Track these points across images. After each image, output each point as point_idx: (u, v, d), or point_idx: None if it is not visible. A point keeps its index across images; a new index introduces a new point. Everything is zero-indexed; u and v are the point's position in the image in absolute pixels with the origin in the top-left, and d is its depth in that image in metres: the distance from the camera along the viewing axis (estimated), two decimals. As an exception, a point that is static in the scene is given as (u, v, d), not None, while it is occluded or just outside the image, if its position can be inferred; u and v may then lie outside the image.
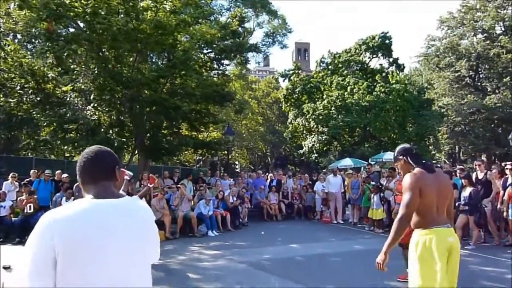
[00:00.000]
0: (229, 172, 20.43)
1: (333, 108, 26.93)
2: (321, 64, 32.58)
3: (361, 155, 23.34)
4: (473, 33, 32.05)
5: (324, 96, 28.18)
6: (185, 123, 16.52)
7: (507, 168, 8.88)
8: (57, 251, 1.42)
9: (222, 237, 10.22)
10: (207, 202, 10.88)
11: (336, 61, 30.92)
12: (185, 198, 11.01)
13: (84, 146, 13.20)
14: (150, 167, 15.46)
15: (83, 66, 13.85)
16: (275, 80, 41.58)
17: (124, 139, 14.63)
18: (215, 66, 17.37)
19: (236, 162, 42.22)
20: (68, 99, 13.96)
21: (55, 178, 11.61)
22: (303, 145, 29.63)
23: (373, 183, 11.90)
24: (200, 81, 14.76)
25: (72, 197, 9.50)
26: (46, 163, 17.68)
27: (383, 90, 26.50)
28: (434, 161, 26.92)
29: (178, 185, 11.60)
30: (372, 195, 11.13)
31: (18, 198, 10.18)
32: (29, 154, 21.95)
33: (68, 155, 22.02)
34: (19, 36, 17.27)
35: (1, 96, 14.59)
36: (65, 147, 16.69)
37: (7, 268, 5.29)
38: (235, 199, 12.17)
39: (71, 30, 13.67)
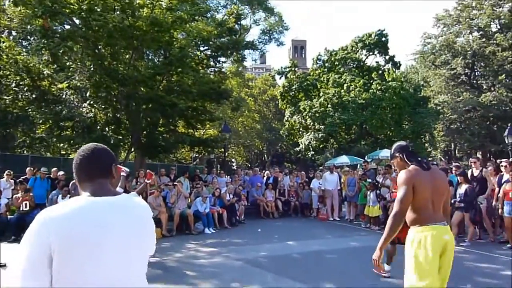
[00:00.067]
0: (226, 169, 20.43)
1: (329, 105, 26.96)
2: (318, 61, 32.59)
3: (357, 153, 23.41)
4: (469, 31, 32.16)
5: (321, 94, 28.21)
6: (182, 120, 16.49)
7: (502, 165, 8.93)
8: (53, 248, 1.41)
9: (219, 235, 10.22)
10: (203, 200, 10.88)
11: (332, 59, 30.94)
12: (181, 196, 11.00)
13: (80, 144, 13.15)
14: (147, 165, 15.42)
15: (79, 63, 13.78)
16: (272, 78, 41.58)
17: (121, 137, 14.60)
18: (212, 63, 17.34)
19: (233, 160, 42.25)
20: (64, 96, 13.90)
21: (51, 175, 11.59)
22: (300, 143, 29.65)
23: (370, 180, 11.94)
24: (196, 78, 14.73)
25: (68, 195, 9.46)
26: (42, 160, 17.60)
27: (379, 87, 26.56)
28: (430, 159, 27.02)
29: (175, 183, 11.58)
30: (368, 192, 11.16)
31: (14, 196, 10.13)
32: (25, 151, 21.84)
33: (64, 152, 21.92)
34: (14, 33, 17.16)
35: (-4, 93, 14.52)
36: (61, 144, 16.59)
37: (2, 266, 5.27)
38: (231, 196, 12.17)
39: (67, 27, 13.61)
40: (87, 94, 13.51)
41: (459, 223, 8.74)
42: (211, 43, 16.03)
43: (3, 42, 14.04)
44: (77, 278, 1.43)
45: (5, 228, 9.46)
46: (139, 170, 12.05)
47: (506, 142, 19.17)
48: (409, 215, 3.15)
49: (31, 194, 10.02)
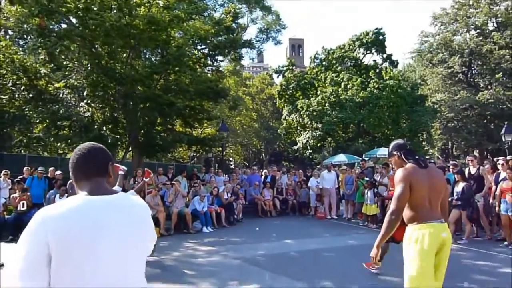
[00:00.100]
0: (224, 168, 20.44)
1: (327, 104, 26.98)
2: (315, 60, 32.59)
3: (355, 151, 23.45)
4: (466, 29, 32.21)
5: (318, 92, 28.22)
6: (179, 119, 16.48)
7: (499, 163, 8.96)
8: (51, 247, 1.41)
9: (217, 233, 10.22)
10: (201, 199, 10.87)
11: (330, 57, 30.95)
12: (179, 195, 10.99)
13: (77, 143, 13.12)
14: (144, 164, 15.40)
15: (75, 63, 13.75)
16: (269, 76, 41.57)
17: (118, 136, 14.57)
18: (209, 62, 17.33)
19: (231, 159, 42.23)
20: (61, 95, 13.88)
21: (48, 175, 11.55)
22: (297, 141, 29.68)
23: (367, 178, 11.96)
24: (194, 77, 14.71)
25: (66, 194, 9.45)
26: (39, 160, 17.54)
27: (376, 86, 26.59)
28: (427, 157, 27.06)
29: (173, 182, 11.58)
30: (366, 191, 11.18)
31: (11, 196, 10.10)
32: (22, 151, 21.76)
33: (61, 152, 21.88)
34: (10, 32, 17.10)
35: (-7, 92, 14.46)
36: (58, 144, 16.59)
37: (0, 265, 5.26)
38: (229, 195, 12.17)
39: (63, 26, 13.57)
40: (84, 93, 13.49)
41: (456, 221, 8.77)
42: (208, 42, 16.01)
43: (0, 41, 14.00)
44: (75, 277, 1.43)
45: (3, 227, 9.43)
46: (137, 169, 12.04)
47: (503, 140, 19.28)
48: (407, 213, 3.16)
49: (28, 193, 10.01)
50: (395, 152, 3.41)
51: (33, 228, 1.44)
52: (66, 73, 13.78)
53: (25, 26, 13.91)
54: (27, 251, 1.41)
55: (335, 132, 27.88)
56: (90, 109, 14.17)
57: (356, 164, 18.45)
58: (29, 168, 11.79)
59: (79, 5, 11.82)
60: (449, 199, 8.35)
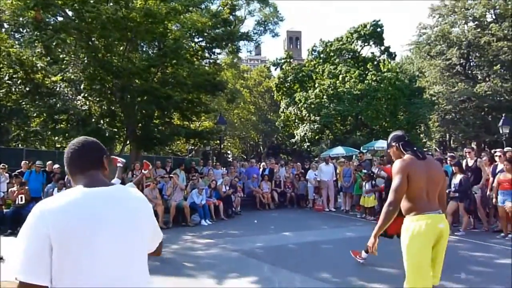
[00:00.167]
0: (222, 161, 20.44)
1: (325, 96, 26.94)
2: (313, 52, 32.49)
3: (353, 144, 23.48)
4: (464, 21, 32.12)
5: (316, 85, 28.17)
6: (177, 112, 16.44)
7: (496, 155, 9.00)
8: (52, 239, 1.41)
9: (215, 226, 10.25)
10: (199, 192, 10.89)
11: (327, 50, 30.86)
12: (177, 188, 11.01)
13: (74, 137, 12.85)
14: (142, 157, 15.39)
15: (72, 56, 13.67)
16: (267, 69, 41.47)
17: (116, 129, 14.53)
18: (207, 55, 17.25)
19: (228, 152, 42.25)
20: (57, 89, 13.80)
21: (46, 169, 11.56)
22: (295, 134, 29.67)
23: (365, 171, 11.99)
24: (191, 70, 14.65)
25: (64, 188, 9.45)
26: (36, 154, 17.51)
27: (374, 78, 26.55)
28: (425, 149, 27.13)
29: (171, 175, 11.59)
30: (364, 183, 11.21)
31: (9, 190, 10.10)
32: (20, 145, 21.73)
33: (59, 146, 21.85)
34: (6, 25, 16.95)
35: (-10, 86, 14.38)
36: (56, 138, 16.56)
37: (0, 259, 5.28)
38: (227, 188, 12.19)
39: (60, 19, 13.47)
40: (81, 87, 13.43)
41: (453, 213, 8.81)
42: (205, 34, 15.92)
43: (-5, 34, 13.90)
44: (73, 269, 1.43)
45: (1, 221, 9.46)
46: (135, 163, 12.03)
47: (501, 132, 19.33)
48: (404, 204, 3.18)
49: (26, 187, 10.00)
50: (393, 144, 3.42)
51: (32, 222, 1.44)
52: (63, 66, 13.70)
53: (21, 19, 13.79)
54: (27, 245, 1.42)
55: (333, 125, 27.88)
56: (87, 103, 14.13)
57: (354, 156, 18.49)
58: (27, 162, 11.79)
59: (75, -2, 11.74)
60: (447, 191, 8.40)
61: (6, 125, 20.57)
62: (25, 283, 1.40)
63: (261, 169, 15.06)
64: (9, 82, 13.67)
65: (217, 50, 17.83)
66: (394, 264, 5.23)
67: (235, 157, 41.13)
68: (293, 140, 30.35)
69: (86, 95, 13.67)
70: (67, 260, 1.42)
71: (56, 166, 11.32)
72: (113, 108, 14.49)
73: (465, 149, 10.96)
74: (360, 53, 31.06)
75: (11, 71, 13.36)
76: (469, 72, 33.46)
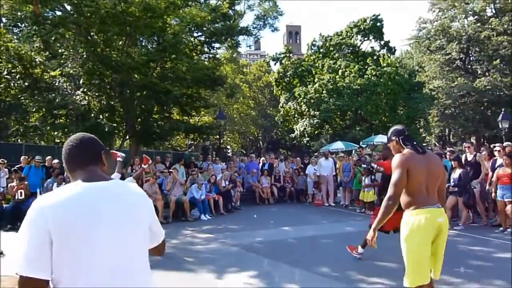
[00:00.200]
0: (221, 156, 20.44)
1: (324, 91, 26.90)
2: (313, 47, 32.40)
3: (352, 138, 23.49)
4: (464, 16, 32.03)
5: (316, 80, 28.13)
6: (176, 107, 16.41)
7: (496, 150, 9.01)
8: (52, 234, 1.42)
9: (215, 221, 10.27)
10: (199, 186, 10.90)
11: (327, 44, 30.78)
12: (177, 183, 11.01)
13: (74, 132, 12.98)
14: (142, 152, 15.39)
15: (71, 50, 13.61)
16: (266, 64, 41.36)
17: (115, 124, 14.49)
18: (206, 49, 17.18)
19: (228, 147, 42.24)
20: (56, 84, 13.75)
21: (46, 164, 11.56)
22: (295, 129, 29.66)
23: (364, 166, 11.98)
24: (190, 65, 14.60)
25: (63, 183, 9.45)
26: (36, 149, 17.51)
27: (374, 73, 26.51)
28: (424, 144, 27.15)
29: (170, 170, 11.59)
30: (363, 178, 11.22)
31: (9, 185, 10.11)
32: (19, 140, 21.72)
33: (58, 141, 21.80)
34: (4, 19, 16.87)
35: (-12, 81, 14.34)
36: (55, 133, 16.49)
37: (0, 254, 5.30)
38: (227, 183, 12.21)
39: (58, 13, 13.41)
40: (80, 82, 13.38)
41: (452, 207, 8.84)
42: (205, 29, 15.85)
43: (-6, 29, 13.83)
44: (73, 262, 1.44)
45: (1, 217, 9.46)
46: (134, 158, 12.03)
47: (500, 127, 19.32)
48: (404, 199, 3.19)
49: (26, 182, 10.01)
50: (393, 138, 3.43)
51: (32, 217, 1.45)
52: (62, 61, 13.65)
53: (19, 13, 13.73)
54: (28, 240, 1.43)
55: (333, 120, 27.86)
56: (87, 98, 14.08)
57: (353, 151, 18.48)
58: (26, 157, 11.78)
59: (73, -8, 11.67)
60: (446, 186, 8.42)
61: (5, 120, 20.54)
62: (26, 277, 1.41)
63: (260, 164, 15.07)
64: (8, 77, 13.62)
65: (217, 45, 17.75)
66: (393, 258, 5.25)
67: (235, 152, 41.14)
68: (293, 135, 30.34)
69: (85, 90, 13.63)
70: (66, 253, 1.44)
71: (56, 161, 11.32)
72: (112, 103, 14.45)
73: (464, 143, 10.97)
74: (360, 48, 30.98)
75: (9, 66, 13.31)
76: (469, 66, 33.41)
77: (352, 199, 12.68)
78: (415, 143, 3.35)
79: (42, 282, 1.42)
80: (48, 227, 1.42)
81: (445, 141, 36.66)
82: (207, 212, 10.77)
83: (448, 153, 10.09)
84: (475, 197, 8.95)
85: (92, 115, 13.83)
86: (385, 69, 26.70)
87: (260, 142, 41.09)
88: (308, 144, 29.93)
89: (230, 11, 17.68)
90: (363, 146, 17.51)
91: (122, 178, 7.66)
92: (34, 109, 14.43)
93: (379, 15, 29.69)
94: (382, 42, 30.25)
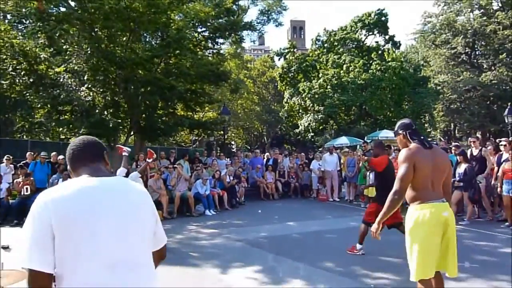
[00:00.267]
0: (226, 152, 20.44)
1: (329, 86, 26.83)
2: (317, 42, 32.30)
3: (357, 134, 23.42)
4: (470, 9, 31.77)
5: (320, 75, 28.04)
6: (181, 103, 16.40)
7: (501, 145, 8.94)
8: (54, 229, 1.44)
9: (219, 216, 10.29)
10: (204, 182, 10.91)
11: (331, 39, 30.66)
12: (182, 178, 11.04)
13: (79, 128, 13.12)
14: (146, 148, 15.43)
15: (75, 47, 13.63)
16: (271, 59, 41.21)
17: (119, 120, 14.55)
18: (210, 45, 17.14)
19: (232, 142, 42.24)
20: (61, 80, 13.78)
21: (51, 160, 11.63)
22: (299, 124, 29.63)
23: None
24: (194, 60, 14.59)
25: (69, 179, 9.48)
26: (41, 145, 17.59)
27: (379, 68, 26.39)
28: (429, 139, 27.01)
29: (175, 165, 11.62)
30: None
31: (15, 181, 10.18)
32: (24, 136, 21.81)
33: (63, 137, 21.90)
34: (9, 16, 16.93)
35: (-6, 77, 14.39)
36: (60, 129, 16.57)
37: (5, 248, 5.36)
38: (231, 178, 12.22)
39: (62, 9, 13.41)
40: (85, 78, 13.41)
41: (458, 202, 8.80)
42: (208, 24, 15.82)
43: (-1, 25, 13.89)
44: (74, 256, 1.46)
45: (7, 212, 9.55)
46: (139, 154, 12.05)
47: (506, 121, 19.16)
48: (409, 193, 3.19)
49: (31, 178, 10.08)
50: (400, 131, 3.42)
51: (36, 212, 1.48)
52: (66, 57, 13.67)
53: (23, 10, 13.76)
54: (32, 234, 1.45)
55: (337, 115, 27.80)
56: (91, 94, 14.11)
57: (358, 146, 18.44)
58: (32, 153, 11.85)
59: (77, -12, 11.68)
60: (452, 180, 8.38)
61: (11, 117, 20.63)
62: (32, 271, 1.43)
63: (265, 159, 15.07)
64: (13, 73, 13.67)
65: (221, 40, 17.71)
66: (397, 253, 5.24)
67: (239, 147, 41.13)
68: (297, 130, 30.31)
69: (89, 86, 13.66)
70: (69, 248, 1.45)
71: (61, 157, 11.38)
72: (116, 99, 14.48)
73: (470, 138, 10.91)
74: (364, 43, 30.84)
75: (14, 62, 13.35)
76: (475, 61, 33.17)
77: (357, 194, 12.66)
78: (422, 137, 3.34)
79: (47, 276, 1.44)
80: (51, 221, 1.44)
81: (450, 136, 36.48)
82: (211, 208, 10.79)
83: (453, 148, 10.04)
84: (480, 192, 8.91)
85: (97, 111, 13.87)
86: (390, 63, 26.56)
87: (265, 138, 41.07)
88: (312, 140, 29.87)
89: (234, 6, 17.59)
90: (368, 141, 17.42)
91: (128, 173, 7.69)
92: (39, 105, 14.49)
93: (383, 9, 29.54)
94: (387, 37, 30.09)
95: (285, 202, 12.98)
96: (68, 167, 1.76)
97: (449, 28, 31.60)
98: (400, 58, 28.63)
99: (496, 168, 8.75)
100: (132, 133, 15.39)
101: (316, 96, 26.91)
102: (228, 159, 15.03)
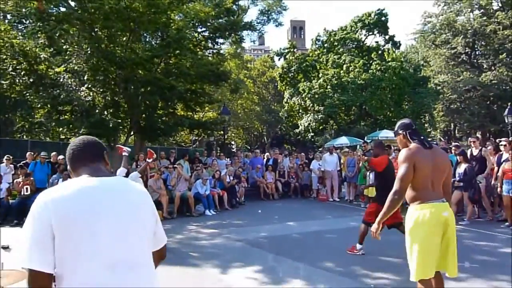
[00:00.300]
0: (226, 152, 20.44)
1: (329, 86, 26.83)
2: (317, 42, 32.30)
3: (357, 134, 23.43)
4: (469, 9, 31.77)
5: (320, 75, 28.04)
6: (181, 103, 16.40)
7: (501, 145, 8.94)
8: (54, 228, 1.44)
9: (219, 216, 10.29)
10: (204, 182, 10.91)
11: (331, 39, 30.66)
12: (182, 178, 11.04)
13: (79, 128, 13.12)
14: (146, 148, 15.42)
15: (75, 47, 13.63)
16: (271, 59, 41.21)
17: (119, 120, 14.55)
18: (210, 45, 17.14)
19: (232, 142, 42.24)
20: (61, 80, 13.78)
21: (51, 160, 11.63)
22: (299, 124, 29.63)
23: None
24: (194, 60, 14.59)
25: (69, 179, 9.49)
26: (41, 145, 17.59)
27: (379, 68, 26.39)
28: (429, 139, 27.01)
29: (175, 165, 11.62)
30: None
31: (15, 181, 10.18)
32: (24, 136, 21.81)
33: (63, 137, 21.90)
34: (9, 16, 16.93)
35: (-6, 78, 14.39)
36: (60, 129, 16.57)
37: (5, 248, 5.36)
38: (231, 178, 12.22)
39: (62, 9, 13.41)
40: (85, 78, 13.41)
41: (458, 202, 8.80)
42: (208, 24, 15.82)
43: (-1, 25, 13.89)
44: (74, 255, 1.46)
45: (7, 212, 9.55)
46: (139, 154, 12.05)
47: (506, 121, 19.16)
48: (409, 193, 3.19)
49: (32, 178, 10.08)
50: (400, 131, 3.41)
51: (36, 212, 1.48)
52: (66, 57, 13.67)
53: (23, 10, 13.76)
54: (31, 234, 1.46)
55: (337, 115, 27.80)
56: (91, 94, 14.11)
57: (358, 146, 18.44)
58: (32, 153, 11.86)
59: (77, -12, 11.68)
60: (452, 180, 8.38)
61: (11, 117, 20.63)
62: (31, 271, 1.43)
63: (265, 159, 15.07)
64: (13, 73, 13.67)
65: (220, 40, 17.70)
66: (397, 253, 5.24)
67: (239, 147, 41.12)
68: (297, 130, 30.31)
69: (89, 86, 13.66)
70: (68, 248, 1.46)
71: (61, 157, 11.38)
72: (116, 99, 14.48)
73: (470, 138, 10.91)
74: (364, 43, 30.84)
75: (14, 62, 13.35)
76: (475, 61, 33.17)
77: (357, 194, 12.66)
78: (422, 137, 3.33)
79: (47, 276, 1.44)
80: (51, 221, 1.44)
81: (450, 136, 36.48)
82: (211, 208, 10.78)
83: (453, 148, 10.04)
84: (480, 192, 8.91)
85: (97, 111, 13.87)
86: (390, 63, 26.57)
87: (265, 138, 41.07)
88: (312, 140, 29.87)
89: (234, 6, 17.59)
90: (368, 141, 17.42)
91: (128, 173, 7.69)
92: (39, 105, 14.50)
93: (383, 9, 29.55)
94: (387, 37, 30.10)
95: (285, 202, 12.98)
96: (68, 167, 1.76)
97: (449, 28, 31.60)
98: (400, 58, 28.64)
99: (496, 168, 8.75)
100: (132, 133, 15.39)
101: (316, 96, 26.91)
102: (228, 159, 15.02)
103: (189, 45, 14.40)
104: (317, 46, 32.13)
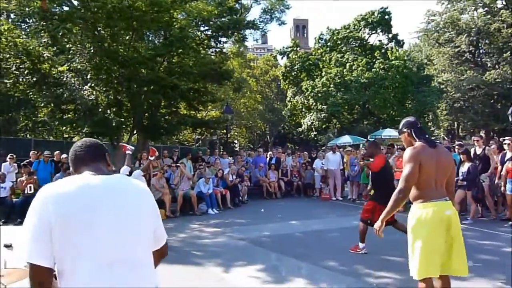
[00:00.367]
0: (228, 150, 20.47)
1: (332, 85, 26.79)
2: (320, 41, 32.25)
3: (360, 132, 23.40)
4: (473, 8, 31.61)
5: (323, 73, 28.01)
6: (183, 102, 16.42)
7: (505, 143, 8.90)
8: (53, 225, 1.45)
9: (222, 215, 10.30)
10: (206, 181, 10.93)
11: (334, 38, 30.60)
12: (185, 177, 11.05)
13: (82, 127, 13.17)
14: (149, 147, 15.44)
15: (78, 46, 13.66)
16: (274, 58, 41.22)
17: (122, 119, 14.55)
18: (213, 44, 17.13)
19: (235, 141, 42.26)
20: (64, 79, 13.81)
21: (54, 159, 11.67)
22: (302, 123, 29.62)
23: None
24: (197, 59, 14.59)
25: (72, 177, 9.52)
26: (45, 144, 17.68)
27: (382, 66, 26.33)
28: (433, 138, 26.92)
29: (178, 164, 11.64)
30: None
31: (18, 179, 10.23)
32: (28, 135, 21.91)
33: (66, 136, 21.99)
34: (12, 15, 16.97)
35: (-3, 77, 14.44)
36: (63, 128, 16.62)
37: (8, 246, 5.39)
38: (234, 177, 12.23)
39: (65, 8, 13.43)
40: (88, 77, 13.44)
41: (461, 201, 8.77)
42: (211, 23, 15.81)
43: (2, 24, 13.91)
44: (74, 252, 1.47)
45: (11, 211, 9.59)
46: (141, 152, 12.07)
47: (510, 120, 19.08)
48: (412, 192, 3.18)
49: (35, 177, 10.13)
50: (405, 130, 3.39)
51: (36, 207, 1.50)
52: (69, 56, 13.71)
53: (27, 9, 13.79)
54: (32, 229, 1.47)
55: (340, 114, 27.76)
56: (94, 92, 14.13)
57: (361, 145, 18.42)
58: (35, 152, 11.90)
59: (80, -13, 11.70)
60: (455, 179, 8.35)
61: (14, 116, 20.73)
62: (32, 265, 1.45)
63: (268, 158, 15.06)
64: (16, 72, 13.69)
65: (223, 39, 17.68)
66: (400, 252, 5.22)
67: (242, 146, 41.15)
68: (300, 129, 30.30)
69: (93, 85, 13.69)
70: (68, 244, 1.47)
71: (64, 156, 11.42)
72: (119, 97, 14.51)
73: (473, 137, 10.87)
74: (368, 41, 30.77)
75: (18, 61, 13.38)
76: (478, 59, 33.03)
77: (360, 193, 12.64)
78: (427, 136, 3.31)
79: (46, 270, 1.46)
80: (50, 217, 1.46)
81: (454, 135, 36.38)
82: (214, 206, 10.80)
83: (456, 147, 10.00)
84: (484, 191, 8.88)
85: (100, 110, 13.89)
86: (393, 62, 26.49)
87: (268, 136, 41.06)
88: (315, 138, 29.87)
89: (237, 5, 17.56)
90: (371, 140, 17.41)
91: (131, 171, 7.70)
92: (42, 104, 14.54)
93: (387, 8, 29.49)
94: (390, 35, 30.03)
95: (288, 201, 12.97)
96: (71, 168, 1.78)
97: (453, 27, 31.45)
98: (403, 56, 28.57)
99: (499, 167, 8.71)
100: (135, 132, 15.42)
101: (319, 94, 26.87)
102: (231, 158, 15.04)
103: (192, 44, 14.41)
104: (320, 44, 32.08)
